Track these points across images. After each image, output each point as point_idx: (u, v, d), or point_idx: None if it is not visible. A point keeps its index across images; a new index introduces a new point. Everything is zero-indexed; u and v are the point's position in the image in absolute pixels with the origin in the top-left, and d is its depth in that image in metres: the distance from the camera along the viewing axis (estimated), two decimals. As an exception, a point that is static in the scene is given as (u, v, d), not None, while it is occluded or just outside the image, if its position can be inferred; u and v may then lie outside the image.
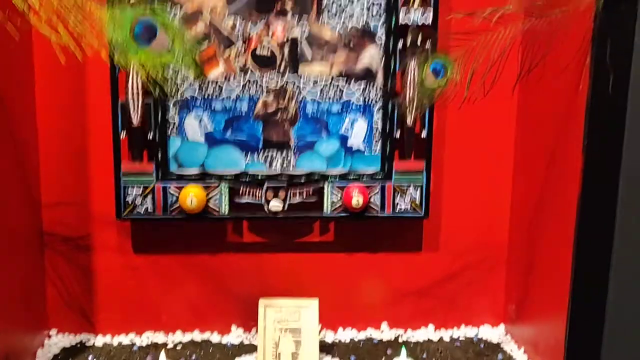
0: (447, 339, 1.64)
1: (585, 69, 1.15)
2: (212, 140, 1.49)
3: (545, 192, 1.46)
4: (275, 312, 1.46)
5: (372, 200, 1.52)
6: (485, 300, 1.67)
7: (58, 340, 1.58)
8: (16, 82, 1.41)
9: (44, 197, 1.52)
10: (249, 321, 1.60)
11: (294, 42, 1.46)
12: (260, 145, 1.50)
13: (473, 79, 1.08)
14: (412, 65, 1.46)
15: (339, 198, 1.52)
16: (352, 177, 1.52)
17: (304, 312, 1.47)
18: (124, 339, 1.59)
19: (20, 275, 1.44)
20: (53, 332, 1.59)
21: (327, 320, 1.58)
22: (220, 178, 1.50)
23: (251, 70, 1.47)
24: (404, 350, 1.44)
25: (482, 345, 1.61)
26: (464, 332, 1.66)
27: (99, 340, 1.59)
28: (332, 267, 1.61)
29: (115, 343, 1.58)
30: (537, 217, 1.49)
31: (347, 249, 1.61)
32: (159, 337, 1.60)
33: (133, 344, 1.58)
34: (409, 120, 1.49)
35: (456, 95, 1.14)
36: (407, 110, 1.44)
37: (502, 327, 1.67)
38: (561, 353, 1.34)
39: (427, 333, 1.65)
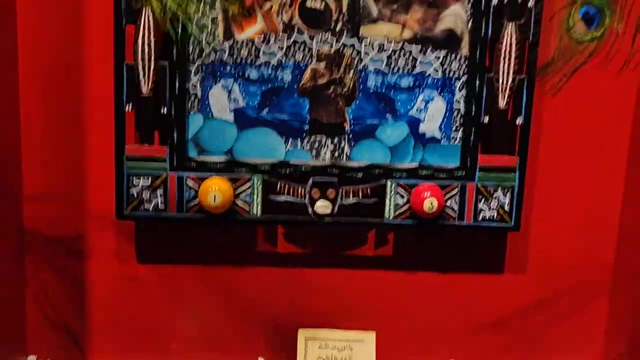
0: (531, 384, 1.33)
1: None
2: (243, 119, 1.18)
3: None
4: (319, 346, 1.17)
5: (447, 204, 1.20)
6: (581, 337, 1.37)
7: (37, 369, 1.29)
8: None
9: (25, 187, 1.24)
10: (282, 355, 1.31)
11: (354, -6, 1.15)
12: (306, 128, 1.19)
13: None
14: (510, 29, 1.14)
15: (405, 200, 1.20)
16: (423, 174, 1.20)
17: (357, 347, 1.18)
18: (122, 371, 1.31)
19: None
20: (32, 358, 1.31)
21: (385, 356, 1.28)
22: (253, 169, 1.19)
23: (298, 29, 1.15)
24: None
25: (579, 396, 1.29)
26: (551, 375, 1.36)
27: (90, 371, 1.31)
28: (390, 289, 1.32)
29: (109, 375, 1.30)
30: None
31: (409, 267, 1.31)
32: (165, 370, 1.32)
33: (132, 378, 1.29)
34: (502, 101, 1.17)
35: (616, 54, 0.80)
36: (507, 81, 1.11)
37: (600, 371, 1.37)
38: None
39: (505, 376, 1.34)
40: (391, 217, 1.21)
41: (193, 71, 1.16)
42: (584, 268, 1.33)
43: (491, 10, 1.14)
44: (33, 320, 1.29)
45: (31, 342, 1.30)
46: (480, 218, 1.22)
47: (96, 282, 1.30)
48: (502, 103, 1.18)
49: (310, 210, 1.20)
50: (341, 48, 1.16)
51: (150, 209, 1.19)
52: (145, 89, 1.14)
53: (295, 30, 1.15)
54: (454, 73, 1.18)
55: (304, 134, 1.19)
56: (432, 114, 1.20)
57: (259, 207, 1.20)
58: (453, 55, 1.18)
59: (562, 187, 1.30)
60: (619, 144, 1.28)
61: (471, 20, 1.16)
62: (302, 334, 1.17)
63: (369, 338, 1.18)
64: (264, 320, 1.31)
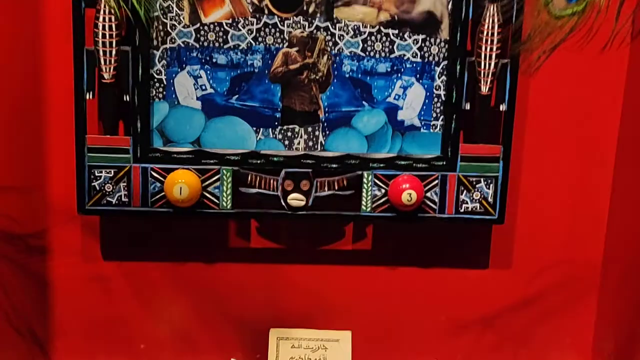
0: (518, 385, 1.28)
1: None
2: (211, 106, 1.13)
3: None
4: (292, 347, 1.11)
5: (427, 196, 1.15)
6: (569, 335, 1.33)
7: (-2, 373, 1.22)
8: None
9: None
10: (254, 355, 1.26)
11: (328, -25, 1.10)
12: (278, 116, 1.14)
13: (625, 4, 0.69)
14: (492, 10, 1.09)
15: (383, 192, 1.15)
16: (402, 164, 1.15)
17: (331, 347, 1.13)
18: (88, 374, 1.26)
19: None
20: None
21: (362, 357, 1.23)
22: (222, 159, 1.14)
23: (268, 11, 1.10)
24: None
25: (567, 396, 1.24)
26: (539, 375, 1.31)
27: (54, 374, 1.25)
28: (369, 285, 1.27)
29: (75, 378, 1.25)
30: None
31: (389, 262, 1.27)
32: (134, 373, 1.27)
33: (99, 381, 1.24)
34: (485, 87, 1.12)
35: (599, 30, 0.74)
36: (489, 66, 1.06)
37: (590, 370, 1.33)
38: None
39: (491, 376, 1.30)
40: (368, 210, 1.16)
41: (157, 56, 1.10)
42: (572, 263, 1.29)
43: (472, -10, 1.10)
44: None
45: None
46: (462, 210, 1.17)
47: (60, 281, 1.25)
48: (484, 89, 1.12)
49: (283, 203, 1.15)
50: (314, 31, 1.11)
51: (114, 201, 1.13)
52: (107, 75, 1.09)
53: (266, 12, 1.10)
54: (433, 57, 1.13)
55: (276, 123, 1.14)
56: (410, 100, 1.15)
57: (229, 200, 1.14)
58: (432, 39, 1.12)
59: (549, 177, 1.25)
60: (608, 130, 1.24)
61: (451, 1, 1.11)
62: (274, 334, 1.12)
63: (345, 337, 1.13)
64: (236, 319, 1.27)
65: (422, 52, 1.13)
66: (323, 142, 1.15)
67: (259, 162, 1.14)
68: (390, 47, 1.12)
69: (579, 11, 0.77)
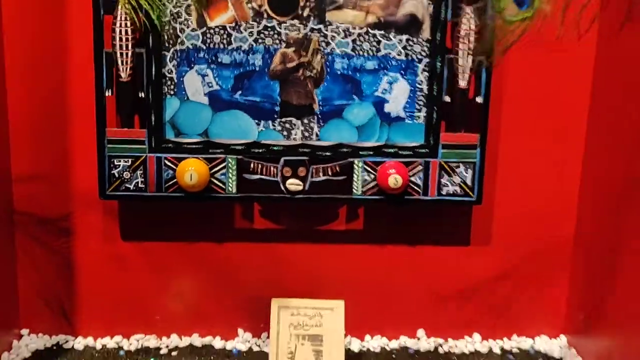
0: (497, 350, 1.37)
1: None
2: (217, 101, 1.23)
3: (629, 175, 1.18)
4: (291, 314, 1.20)
5: (412, 180, 1.25)
6: (543, 305, 1.41)
7: (30, 342, 1.33)
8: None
9: (14, 168, 1.28)
10: (259, 324, 1.36)
11: (320, -18, 1.19)
12: (277, 110, 1.23)
13: (568, 10, 0.80)
14: (468, 12, 1.19)
15: (372, 177, 1.25)
16: (389, 152, 1.25)
17: (326, 315, 1.21)
18: (109, 342, 1.35)
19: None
20: (24, 332, 1.35)
21: (353, 325, 1.33)
22: (227, 149, 1.23)
23: (267, 16, 1.20)
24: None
25: (541, 360, 1.34)
26: (516, 343, 1.40)
27: (79, 343, 1.34)
28: (361, 261, 1.36)
29: (98, 346, 1.34)
30: (617, 205, 1.22)
31: (379, 241, 1.35)
32: (150, 341, 1.36)
33: (119, 348, 1.33)
34: (463, 81, 1.22)
35: (545, 34, 0.85)
36: (467, 62, 1.16)
37: (563, 338, 1.41)
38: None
39: (472, 343, 1.39)
40: (359, 193, 1.26)
41: (169, 57, 1.20)
42: (545, 239, 1.37)
43: (450, -5, 1.19)
44: (24, 296, 1.34)
45: (23, 317, 1.34)
46: (444, 193, 1.26)
47: (83, 260, 1.34)
48: (462, 83, 1.22)
49: (282, 187, 1.25)
50: (309, 33, 1.21)
51: (131, 188, 1.23)
52: (124, 74, 1.19)
53: (265, 16, 1.20)
54: (416, 55, 1.23)
55: (275, 116, 1.24)
56: (396, 94, 1.24)
57: (234, 185, 1.24)
58: (415, 39, 1.22)
59: (524, 162, 1.33)
60: (577, 118, 1.32)
61: (431, 4, 1.20)
62: (275, 303, 1.21)
63: (338, 306, 1.21)
64: (242, 292, 1.35)
65: (406, 51, 1.23)
66: (318, 133, 1.25)
67: (260, 151, 1.24)
68: (377, 46, 1.22)
69: (528, 17, 0.87)
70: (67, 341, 1.35)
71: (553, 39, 0.89)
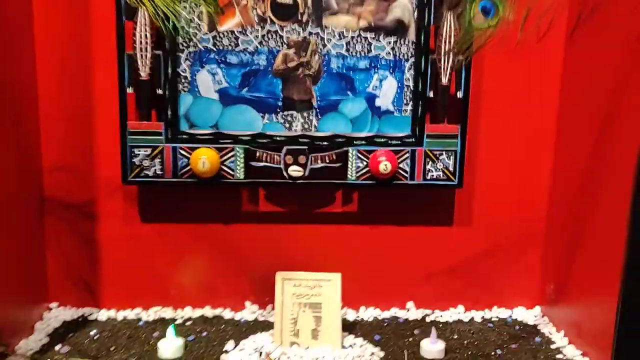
0: (478, 319, 1.51)
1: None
2: (226, 97, 1.37)
3: (594, 160, 1.32)
4: (294, 285, 1.34)
5: (401, 166, 1.40)
6: (520, 279, 1.54)
7: (59, 314, 1.47)
8: (12, 33, 1.29)
9: (44, 159, 1.42)
10: (265, 297, 1.49)
11: (318, -10, 1.33)
12: (280, 104, 1.37)
13: (528, 19, 0.94)
14: (449, 17, 1.33)
15: (365, 164, 1.39)
16: (379, 141, 1.39)
17: (325, 286, 1.34)
18: (129, 314, 1.49)
19: (18, 244, 1.33)
20: (53, 305, 1.49)
21: (349, 298, 1.46)
22: (235, 139, 1.37)
23: (270, 21, 1.34)
24: (434, 331, 1.33)
25: (517, 327, 1.48)
26: (496, 313, 1.54)
27: (103, 315, 1.48)
28: (355, 240, 1.49)
29: (119, 317, 1.48)
30: (583, 188, 1.35)
31: (372, 221, 1.49)
32: (167, 312, 1.49)
33: (139, 319, 1.47)
34: (445, 78, 1.36)
35: (509, 39, 1.00)
36: (448, 62, 1.29)
37: (537, 308, 1.55)
38: (610, 337, 1.21)
39: (456, 314, 1.53)
40: (353, 179, 1.40)
41: (183, 58, 1.34)
42: (521, 220, 1.50)
43: (433, 1, 1.33)
44: (53, 273, 1.47)
45: (52, 291, 1.47)
46: (429, 178, 1.41)
47: (106, 240, 1.47)
48: (444, 80, 1.36)
49: (285, 174, 1.39)
50: (307, 36, 1.35)
51: (150, 174, 1.37)
52: (143, 74, 1.33)
53: (268, 21, 1.34)
54: (403, 55, 1.37)
55: (278, 109, 1.38)
56: (386, 90, 1.38)
57: (242, 172, 1.38)
58: (402, 41, 1.36)
59: (501, 150, 1.47)
60: (548, 110, 1.45)
61: (416, 10, 1.34)
62: (280, 276, 1.34)
63: (336, 277, 1.34)
64: (249, 268, 1.48)
65: (394, 52, 1.37)
66: (316, 125, 1.39)
67: (265, 141, 1.38)
68: (369, 47, 1.36)
69: (493, 25, 1.01)
70: (91, 313, 1.49)
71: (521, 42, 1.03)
